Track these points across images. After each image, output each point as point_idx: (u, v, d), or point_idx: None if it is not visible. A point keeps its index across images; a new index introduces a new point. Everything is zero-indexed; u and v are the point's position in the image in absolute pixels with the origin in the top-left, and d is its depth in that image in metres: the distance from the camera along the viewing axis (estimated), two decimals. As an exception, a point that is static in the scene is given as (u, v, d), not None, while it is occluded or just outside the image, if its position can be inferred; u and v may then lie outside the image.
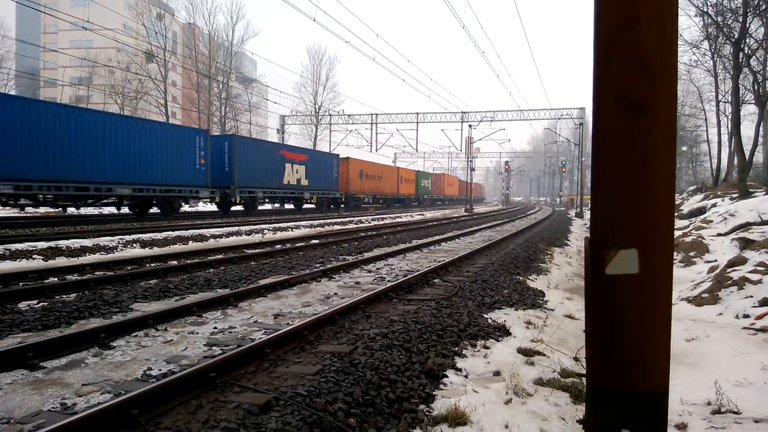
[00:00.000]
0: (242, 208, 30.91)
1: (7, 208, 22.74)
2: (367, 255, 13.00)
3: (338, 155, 41.13)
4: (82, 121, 20.14)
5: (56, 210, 24.56)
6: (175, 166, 24.27)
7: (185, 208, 29.38)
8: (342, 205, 40.87)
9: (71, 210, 25.25)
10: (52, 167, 18.73)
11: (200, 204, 31.32)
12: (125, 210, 25.74)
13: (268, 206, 37.06)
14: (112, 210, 27.54)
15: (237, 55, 61.13)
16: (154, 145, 23.13)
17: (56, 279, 8.87)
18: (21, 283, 8.40)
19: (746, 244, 10.99)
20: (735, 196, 21.85)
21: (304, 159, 35.30)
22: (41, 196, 19.30)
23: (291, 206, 37.61)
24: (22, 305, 6.98)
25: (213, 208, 32.81)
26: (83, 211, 27.32)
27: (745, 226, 13.33)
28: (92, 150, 20.28)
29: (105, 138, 20.83)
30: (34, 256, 11.10)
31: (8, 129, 17.34)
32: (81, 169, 19.83)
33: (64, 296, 7.59)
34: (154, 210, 25.84)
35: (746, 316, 7.43)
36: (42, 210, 25.81)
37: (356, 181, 42.86)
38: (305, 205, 37.47)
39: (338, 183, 39.70)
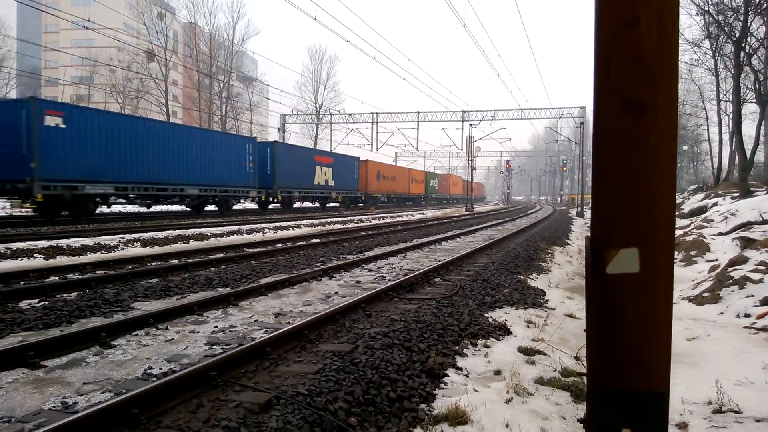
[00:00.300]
0: (279, 206, 35.33)
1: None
2: (367, 254, 13.01)
3: (359, 158, 44.47)
4: (162, 132, 24.29)
5: (142, 207, 27.36)
6: (232, 169, 28.22)
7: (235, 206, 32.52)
8: (360, 204, 44.81)
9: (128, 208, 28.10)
10: (141, 172, 22.57)
11: (244, 202, 34.36)
12: (173, 207, 29.29)
13: (297, 204, 40.02)
14: (161, 208, 29.71)
15: (238, 54, 61.13)
16: (215, 151, 27.15)
17: (57, 278, 8.88)
18: (22, 282, 8.41)
19: (747, 243, 10.98)
20: (736, 195, 21.84)
21: (331, 162, 39.20)
22: (133, 195, 23.03)
23: (317, 204, 41.16)
24: (23, 304, 6.99)
25: (253, 206, 35.72)
26: (125, 208, 29.35)
27: (746, 225, 13.32)
28: (170, 156, 24.16)
29: (179, 146, 24.77)
30: (35, 255, 11.11)
31: (109, 141, 21.04)
32: (162, 173, 23.74)
33: (65, 295, 7.60)
34: (210, 207, 29.45)
35: (747, 316, 7.43)
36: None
37: (374, 181, 46.63)
38: (328, 204, 41.19)
39: (359, 183, 43.63)
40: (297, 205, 39.37)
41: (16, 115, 18.41)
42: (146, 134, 23.03)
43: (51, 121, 18.93)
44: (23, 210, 21.88)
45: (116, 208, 27.52)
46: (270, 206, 34.94)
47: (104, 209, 25.56)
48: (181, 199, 26.60)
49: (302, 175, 35.23)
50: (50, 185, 18.84)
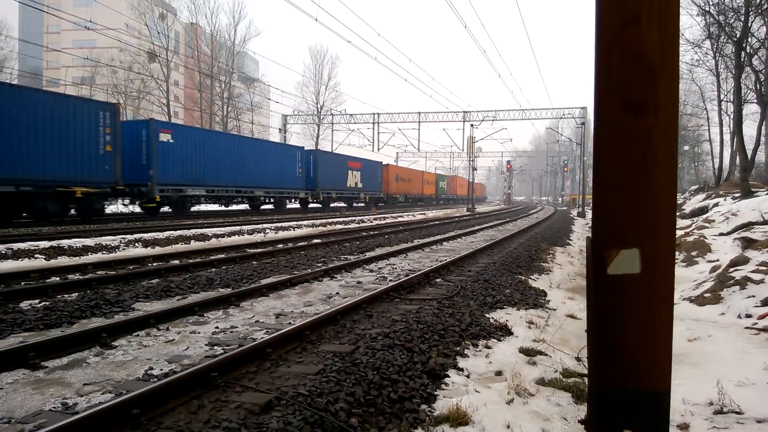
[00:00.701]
0: (320, 205, 40.89)
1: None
2: (369, 254, 13.01)
3: (382, 162, 50.83)
4: (235, 143, 30.55)
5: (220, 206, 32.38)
6: (286, 174, 34.28)
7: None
8: (381, 204, 50.12)
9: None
10: (223, 177, 28.19)
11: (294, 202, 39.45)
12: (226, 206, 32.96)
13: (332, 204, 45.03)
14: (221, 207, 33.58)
15: (239, 54, 61.16)
16: (273, 159, 33.04)
17: (58, 278, 8.88)
18: (23, 283, 8.41)
19: (748, 243, 10.96)
20: (737, 195, 21.81)
21: (360, 167, 45.31)
22: (219, 196, 28.76)
23: (343, 204, 45.79)
24: (24, 304, 7.00)
25: (296, 205, 39.71)
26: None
27: (748, 225, 13.30)
28: (241, 164, 29.84)
29: (247, 155, 30.56)
30: (36, 256, 11.11)
31: (200, 152, 26.60)
32: (237, 178, 29.45)
33: (66, 295, 7.60)
34: (266, 207, 35.14)
35: (748, 316, 7.41)
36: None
37: (393, 183, 53.21)
38: (355, 204, 47.23)
39: (381, 185, 50.19)
40: (333, 204, 43.90)
41: (139, 133, 23.29)
42: (225, 145, 28.90)
43: (164, 137, 23.97)
44: (140, 207, 26.65)
45: (201, 207, 31.88)
46: (309, 205, 39.75)
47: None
48: (249, 200, 32.26)
49: (338, 179, 41.28)
50: (163, 188, 24.00)
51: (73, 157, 19.42)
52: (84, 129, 19.86)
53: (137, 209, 26.88)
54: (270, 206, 35.05)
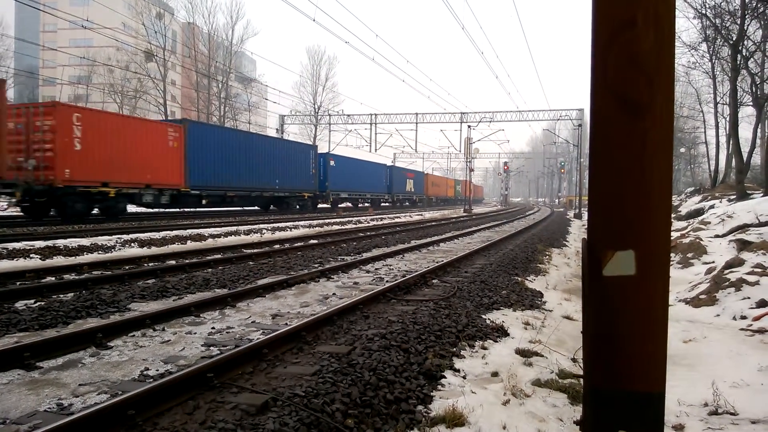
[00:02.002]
0: (390, 204, 56.38)
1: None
2: (365, 255, 13.00)
3: (424, 172, 68.39)
4: (362, 165, 47.30)
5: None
6: (379, 184, 50.78)
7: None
8: (419, 203, 64.16)
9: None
10: (359, 186, 44.77)
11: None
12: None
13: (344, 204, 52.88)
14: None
15: (236, 54, 61.05)
16: (375, 173, 50.69)
17: (54, 278, 8.86)
18: (18, 283, 8.38)
19: (744, 245, 11.00)
20: (733, 197, 21.89)
21: (413, 176, 62.40)
22: (354, 198, 45.60)
23: (387, 204, 56.77)
24: (19, 304, 6.97)
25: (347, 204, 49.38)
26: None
27: (743, 227, 13.34)
28: (358, 176, 44.75)
29: (366, 171, 47.70)
30: (31, 255, 11.09)
31: (344, 169, 41.63)
32: (364, 186, 45.67)
33: (62, 296, 7.58)
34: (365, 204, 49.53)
35: (743, 318, 7.44)
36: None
37: (430, 188, 68.99)
38: (405, 204, 61.25)
39: (424, 190, 65.87)
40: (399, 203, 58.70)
41: (320, 159, 39.24)
42: (356, 166, 45.22)
43: (331, 162, 40.59)
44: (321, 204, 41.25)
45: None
46: (385, 204, 55.56)
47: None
48: (362, 200, 48.07)
49: (401, 186, 57.70)
50: (334, 193, 41.11)
51: (302, 177, 35.93)
52: (304, 160, 36.41)
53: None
54: (368, 204, 50.40)
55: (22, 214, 21.67)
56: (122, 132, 21.49)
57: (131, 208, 24.85)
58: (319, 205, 40.97)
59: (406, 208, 53.79)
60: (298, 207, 35.99)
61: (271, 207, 34.07)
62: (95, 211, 21.68)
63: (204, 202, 26.93)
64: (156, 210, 25.92)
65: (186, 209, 28.15)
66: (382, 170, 52.59)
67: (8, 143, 17.23)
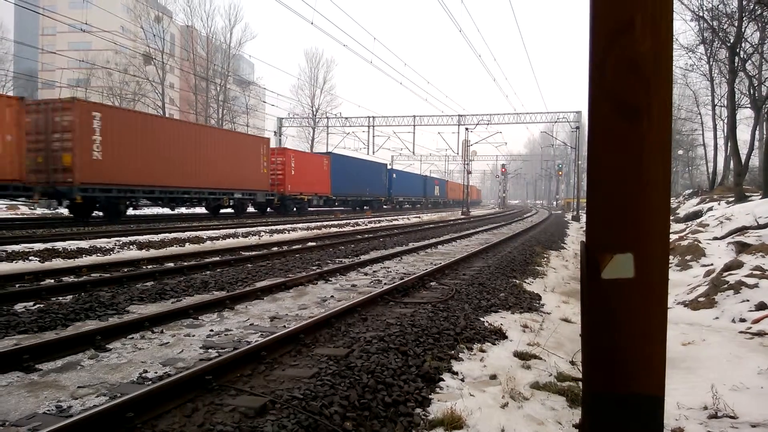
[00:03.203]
0: (429, 206, 69.04)
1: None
2: (363, 257, 13.00)
3: (446, 180, 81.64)
4: (421, 178, 69.84)
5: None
6: (417, 189, 64.42)
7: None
8: (440, 204, 75.70)
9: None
10: (409, 191, 61.90)
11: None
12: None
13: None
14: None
15: (234, 57, 61.04)
16: (416, 181, 65.58)
17: (53, 281, 8.85)
18: (17, 285, 8.38)
19: (742, 248, 11.01)
20: (731, 199, 21.92)
21: (437, 183, 77.16)
22: (402, 201, 60.36)
23: (430, 205, 69.72)
24: (18, 307, 6.96)
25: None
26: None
27: (741, 230, 13.36)
28: (425, 185, 68.15)
29: (429, 182, 70.75)
30: (30, 258, 11.07)
31: (401, 179, 60.25)
32: (419, 192, 65.56)
33: (61, 298, 7.57)
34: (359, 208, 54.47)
35: (743, 320, 7.44)
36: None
37: (449, 192, 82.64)
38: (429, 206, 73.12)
39: (446, 194, 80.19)
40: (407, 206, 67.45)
41: (386, 171, 54.19)
42: (407, 176, 61.77)
43: (393, 175, 55.37)
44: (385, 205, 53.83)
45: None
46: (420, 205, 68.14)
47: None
48: (365, 203, 51.33)
49: (431, 191, 71.23)
50: (394, 197, 54.77)
51: (379, 186, 50.92)
52: (381, 174, 51.97)
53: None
54: (408, 206, 62.20)
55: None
56: (306, 162, 36.93)
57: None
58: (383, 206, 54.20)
59: (418, 210, 61.01)
60: (375, 207, 51.10)
61: (364, 207, 48.60)
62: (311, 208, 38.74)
63: (336, 203, 43.20)
64: (164, 212, 30.10)
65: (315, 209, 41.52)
66: (421, 179, 69.14)
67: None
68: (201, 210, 31.96)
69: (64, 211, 22.73)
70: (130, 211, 25.88)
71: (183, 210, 31.23)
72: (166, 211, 28.88)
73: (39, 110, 19.37)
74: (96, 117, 20.23)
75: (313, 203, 37.93)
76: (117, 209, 22.41)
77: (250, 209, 33.20)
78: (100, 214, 22.62)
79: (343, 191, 42.64)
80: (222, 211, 30.40)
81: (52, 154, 19.12)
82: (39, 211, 26.94)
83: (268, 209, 34.12)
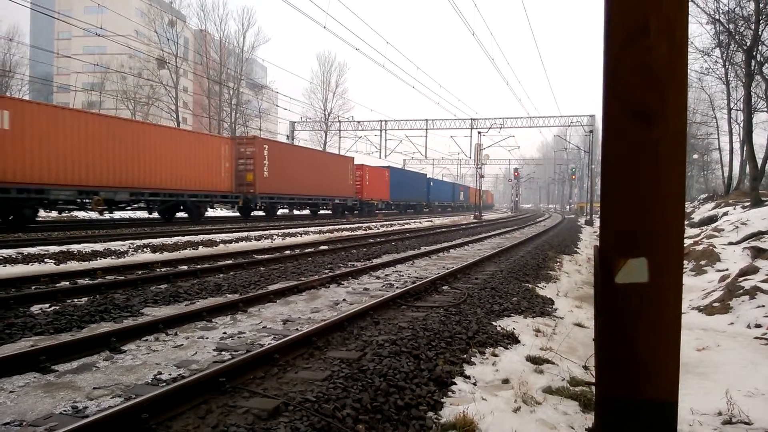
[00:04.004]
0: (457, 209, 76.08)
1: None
2: (375, 261, 13.02)
3: (468, 186, 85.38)
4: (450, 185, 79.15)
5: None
6: (447, 194, 73.28)
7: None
8: (462, 207, 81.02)
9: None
10: (440, 197, 69.93)
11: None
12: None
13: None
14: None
15: (247, 61, 61.49)
16: (446, 188, 74.75)
17: (68, 283, 8.94)
18: (33, 287, 8.48)
19: (758, 253, 10.90)
20: (747, 204, 21.67)
21: (462, 189, 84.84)
22: (439, 204, 69.28)
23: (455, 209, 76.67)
24: (35, 309, 7.05)
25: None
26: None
27: (757, 234, 13.22)
28: (454, 192, 78.91)
29: (456, 189, 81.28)
30: (46, 260, 11.20)
31: (436, 187, 69.01)
32: (457, 198, 79.79)
33: (76, 300, 7.65)
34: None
35: (758, 326, 7.37)
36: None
37: (472, 196, 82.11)
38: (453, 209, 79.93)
39: (469, 199, 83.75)
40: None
41: (426, 180, 64.51)
42: (440, 184, 72.75)
43: (431, 183, 65.54)
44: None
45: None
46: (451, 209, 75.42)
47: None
48: (411, 207, 60.27)
49: (456, 196, 79.06)
50: (431, 201, 64.03)
51: (422, 193, 60.57)
52: (422, 183, 62.21)
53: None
54: (439, 210, 67.75)
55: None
56: (374, 174, 46.47)
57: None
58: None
59: (448, 213, 68.61)
60: (417, 210, 59.92)
61: (409, 210, 57.82)
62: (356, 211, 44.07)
63: (393, 207, 52.37)
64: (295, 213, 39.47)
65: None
66: (450, 186, 78.09)
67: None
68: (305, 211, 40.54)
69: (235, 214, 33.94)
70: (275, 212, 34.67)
71: (304, 211, 40.72)
72: (295, 212, 39.62)
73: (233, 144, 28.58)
74: (266, 148, 29.82)
75: (379, 207, 48.38)
76: (274, 211, 33.69)
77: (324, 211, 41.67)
78: (261, 213, 32.94)
79: (397, 197, 52.24)
80: (321, 212, 40.85)
81: (238, 173, 28.33)
82: (223, 212, 39.49)
83: (354, 211, 44.15)
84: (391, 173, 50.34)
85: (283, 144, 38.62)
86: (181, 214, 27.50)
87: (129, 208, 23.64)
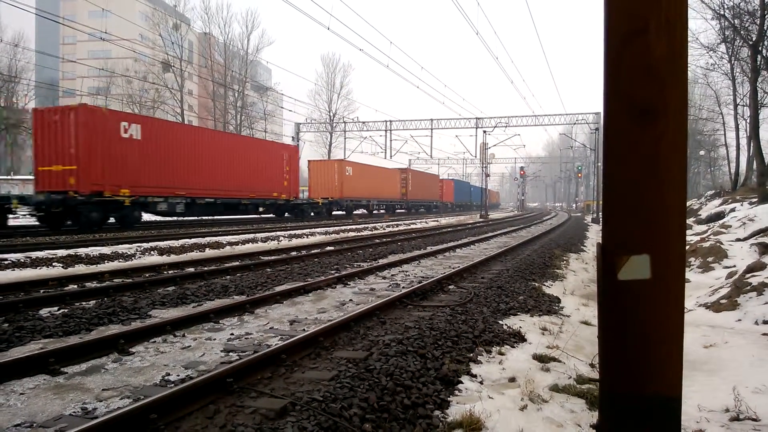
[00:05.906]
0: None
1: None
2: (381, 261, 13.03)
3: (483, 187, 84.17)
4: (464, 185, 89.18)
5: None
6: (464, 196, 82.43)
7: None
8: (473, 207, 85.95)
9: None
10: (465, 197, 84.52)
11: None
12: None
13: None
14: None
15: (252, 63, 61.69)
16: (466, 190, 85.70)
17: (76, 286, 9.00)
18: (42, 290, 8.54)
19: (765, 249, 10.85)
20: (754, 200, 21.57)
21: (478, 187, 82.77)
22: (459, 205, 79.93)
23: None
24: (44, 312, 7.10)
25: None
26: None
27: (765, 230, 13.16)
28: (470, 193, 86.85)
29: (473, 189, 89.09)
30: (54, 264, 11.27)
31: (468, 190, 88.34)
32: (474, 198, 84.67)
33: (84, 303, 7.70)
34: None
35: (765, 323, 7.33)
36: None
37: (490, 197, 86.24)
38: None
39: (489, 200, 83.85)
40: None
41: (470, 188, 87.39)
42: (463, 186, 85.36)
43: (471, 188, 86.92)
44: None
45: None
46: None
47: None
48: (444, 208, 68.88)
49: (475, 197, 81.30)
50: (456, 202, 75.06)
51: (466, 195, 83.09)
52: (468, 188, 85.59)
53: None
54: (459, 209, 75.71)
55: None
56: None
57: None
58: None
59: (461, 211, 74.81)
60: (443, 210, 66.27)
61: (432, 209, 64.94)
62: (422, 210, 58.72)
63: (452, 206, 66.06)
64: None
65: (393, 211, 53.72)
66: (467, 186, 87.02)
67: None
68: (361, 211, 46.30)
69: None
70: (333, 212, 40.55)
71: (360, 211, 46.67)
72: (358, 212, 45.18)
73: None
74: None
75: (435, 208, 63.36)
76: (351, 212, 41.85)
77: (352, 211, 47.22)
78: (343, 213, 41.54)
79: (458, 200, 70.92)
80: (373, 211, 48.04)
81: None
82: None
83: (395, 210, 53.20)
84: (456, 182, 75.62)
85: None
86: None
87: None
